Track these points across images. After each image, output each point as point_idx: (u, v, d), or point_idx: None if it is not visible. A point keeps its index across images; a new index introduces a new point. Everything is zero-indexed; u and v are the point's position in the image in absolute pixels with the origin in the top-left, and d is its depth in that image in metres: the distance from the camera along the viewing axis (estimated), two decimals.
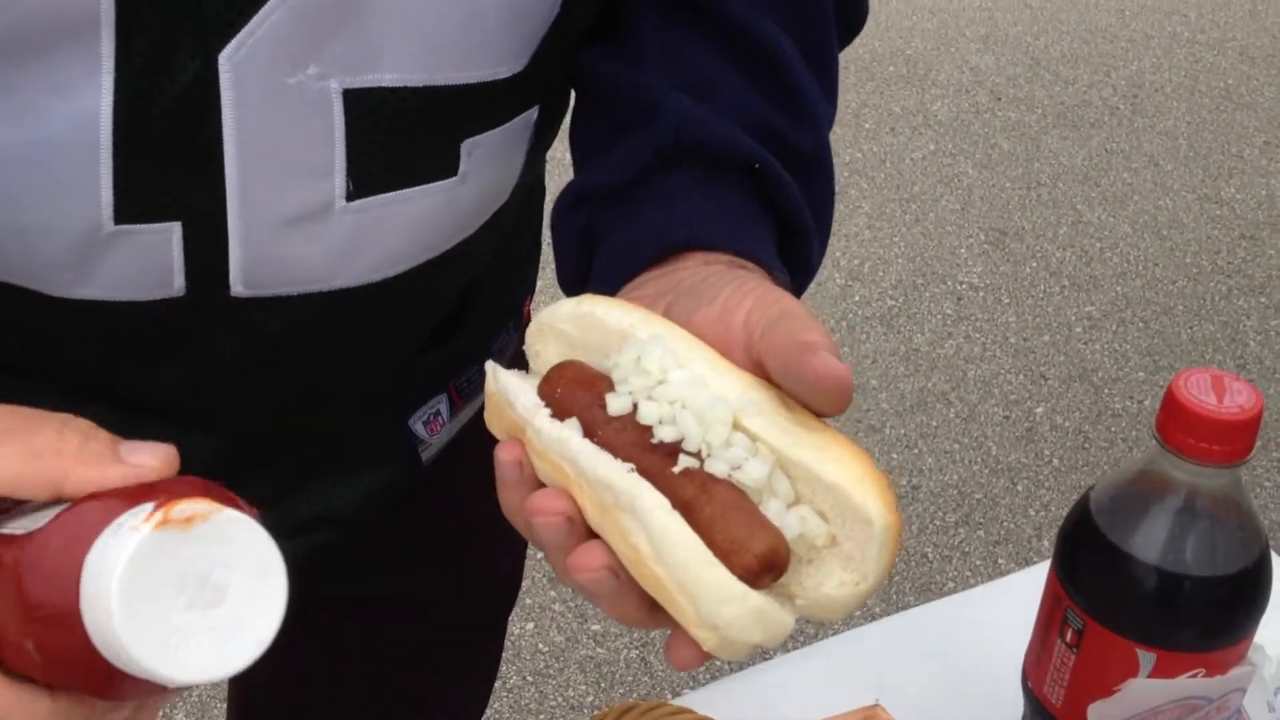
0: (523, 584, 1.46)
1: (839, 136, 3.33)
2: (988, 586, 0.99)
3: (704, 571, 0.46)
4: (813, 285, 2.90)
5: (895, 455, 2.49)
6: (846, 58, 4.18)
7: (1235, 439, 0.65)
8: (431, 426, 0.82)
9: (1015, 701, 0.80)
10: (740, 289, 0.54)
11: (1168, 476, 0.68)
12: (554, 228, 0.67)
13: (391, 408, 0.80)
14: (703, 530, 0.47)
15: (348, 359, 0.73)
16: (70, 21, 0.55)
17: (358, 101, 0.61)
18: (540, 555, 2.35)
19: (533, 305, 0.94)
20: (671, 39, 0.65)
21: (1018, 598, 0.84)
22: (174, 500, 0.40)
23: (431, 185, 0.65)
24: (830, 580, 0.48)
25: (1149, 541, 0.68)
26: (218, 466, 0.74)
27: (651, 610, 0.49)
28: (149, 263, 0.63)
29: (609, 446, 0.49)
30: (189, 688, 0.38)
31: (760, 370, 0.51)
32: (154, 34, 0.56)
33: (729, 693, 0.86)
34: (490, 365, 0.55)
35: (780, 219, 0.63)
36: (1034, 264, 3.00)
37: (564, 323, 0.55)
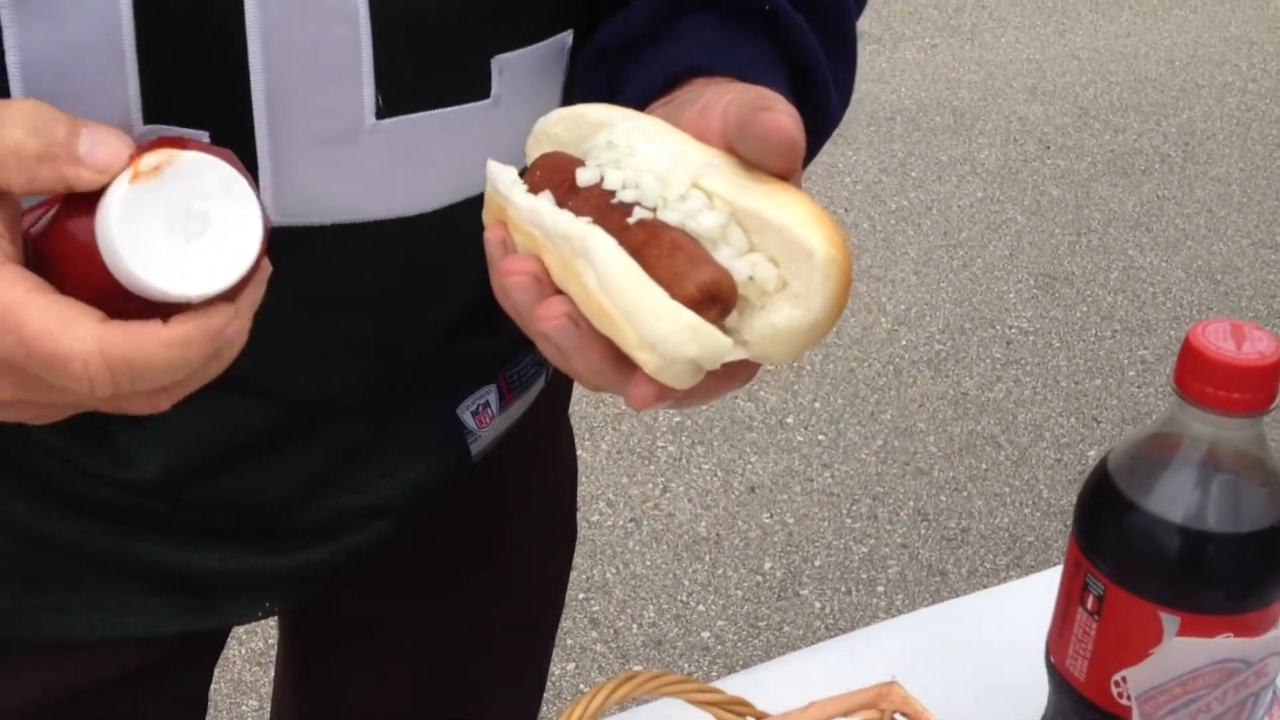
0: (564, 624, 1.43)
1: (884, 184, 3.32)
2: (1009, 585, 0.96)
3: (643, 293, 0.48)
4: (858, 329, 2.89)
5: (944, 498, 2.45)
6: (893, 109, 4.15)
7: (1257, 386, 0.63)
8: (480, 418, 0.81)
9: (1040, 689, 0.77)
10: (724, 89, 0.54)
11: (1188, 431, 0.66)
12: (577, 83, 0.66)
13: (439, 393, 0.79)
14: (650, 268, 0.49)
15: (388, 312, 0.72)
16: None
17: (385, 8, 0.59)
18: (582, 595, 2.34)
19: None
20: None
21: (1042, 595, 0.81)
22: (139, 155, 0.46)
23: (463, 108, 0.64)
24: (778, 315, 0.49)
25: (1170, 500, 0.66)
26: (263, 437, 0.73)
27: (617, 363, 0.50)
28: None
29: (576, 212, 0.51)
30: (208, 298, 0.47)
31: (735, 154, 0.52)
32: None
33: (749, 681, 0.84)
34: (489, 162, 0.56)
35: (794, 63, 0.62)
36: (1085, 308, 2.96)
37: (554, 126, 0.57)
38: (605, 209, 0.51)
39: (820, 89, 0.63)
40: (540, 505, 0.96)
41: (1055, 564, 2.67)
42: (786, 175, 0.50)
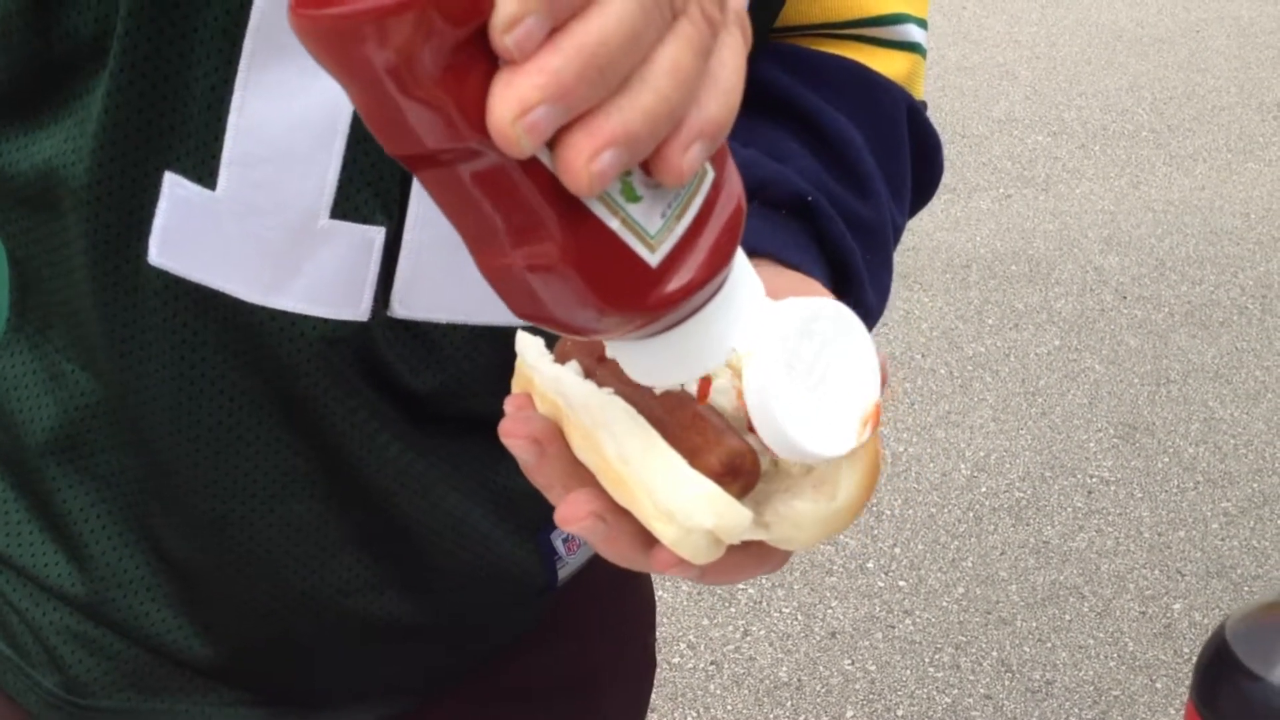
0: None
1: (961, 331, 3.37)
2: None
3: (662, 462, 0.46)
4: (938, 474, 2.90)
5: (1028, 649, 2.43)
6: (968, 256, 4.19)
7: None
8: (570, 545, 0.85)
9: None
10: (773, 276, 0.58)
11: None
12: None
13: (535, 516, 0.82)
14: (672, 440, 0.46)
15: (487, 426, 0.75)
16: None
17: None
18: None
19: None
20: (748, 124, 0.69)
21: None
22: None
23: None
24: (801, 500, 0.47)
25: None
26: (351, 541, 0.76)
27: (643, 545, 0.49)
28: (349, 269, 0.66)
29: (600, 383, 0.49)
30: None
31: None
32: None
33: None
34: (519, 333, 0.54)
35: (832, 256, 0.66)
36: (1166, 459, 2.95)
37: None
38: (631, 380, 0.48)
39: (856, 281, 0.67)
40: (623, 633, 0.99)
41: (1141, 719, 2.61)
42: None
